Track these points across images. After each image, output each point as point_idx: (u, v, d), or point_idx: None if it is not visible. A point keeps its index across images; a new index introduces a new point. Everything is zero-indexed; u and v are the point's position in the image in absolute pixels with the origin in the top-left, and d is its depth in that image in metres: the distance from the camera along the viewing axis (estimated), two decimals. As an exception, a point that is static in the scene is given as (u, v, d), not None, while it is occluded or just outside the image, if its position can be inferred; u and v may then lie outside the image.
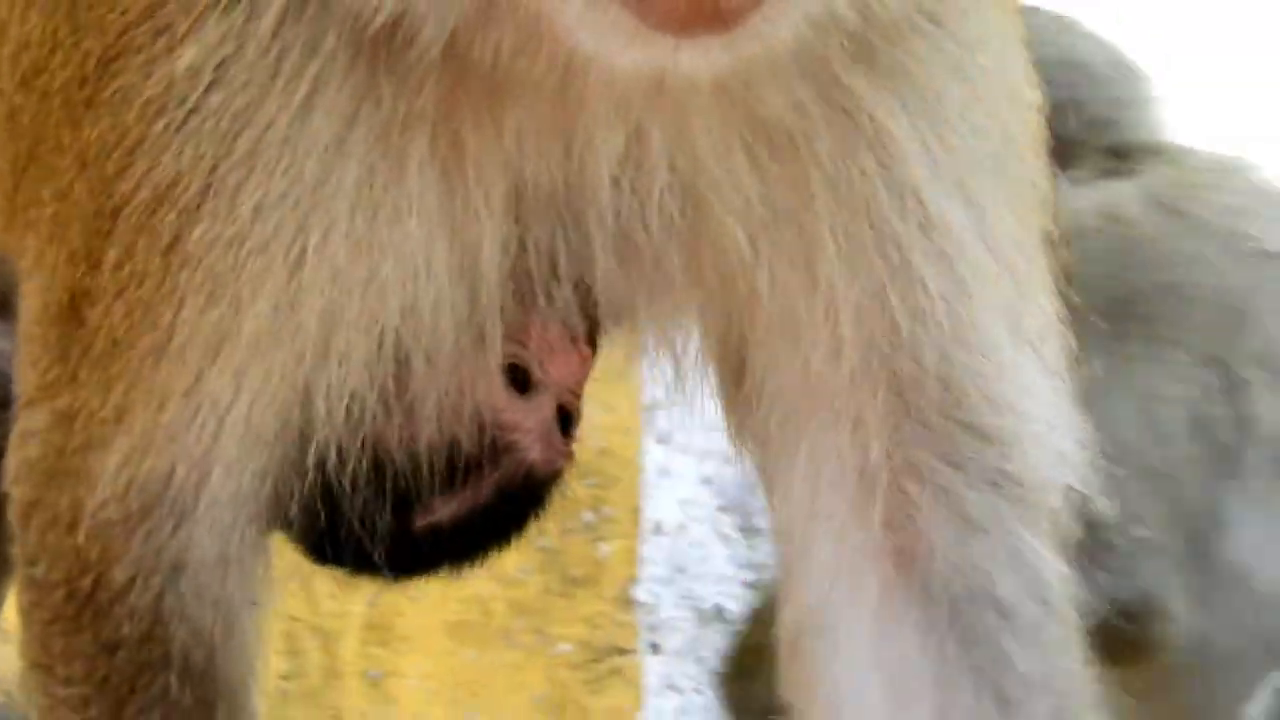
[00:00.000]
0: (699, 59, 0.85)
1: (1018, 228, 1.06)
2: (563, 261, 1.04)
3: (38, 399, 1.08)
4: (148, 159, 0.99)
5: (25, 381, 1.11)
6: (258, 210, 0.98)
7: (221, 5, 0.96)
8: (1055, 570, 1.07)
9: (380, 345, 1.02)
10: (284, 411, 1.02)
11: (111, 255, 1.01)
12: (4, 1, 1.12)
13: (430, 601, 3.02)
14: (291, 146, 0.97)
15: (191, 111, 0.98)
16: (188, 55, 0.97)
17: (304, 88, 0.96)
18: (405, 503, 1.11)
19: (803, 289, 1.03)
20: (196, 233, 0.98)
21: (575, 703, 3.26)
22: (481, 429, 1.11)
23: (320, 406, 1.02)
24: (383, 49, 0.96)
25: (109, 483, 1.03)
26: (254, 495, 1.05)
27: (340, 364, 1.02)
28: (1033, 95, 1.09)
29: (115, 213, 1.01)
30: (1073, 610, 1.08)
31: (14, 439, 1.11)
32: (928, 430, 1.04)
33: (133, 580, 1.04)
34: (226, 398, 1.01)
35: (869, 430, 1.05)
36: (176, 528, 1.04)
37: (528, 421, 1.09)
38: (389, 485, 1.12)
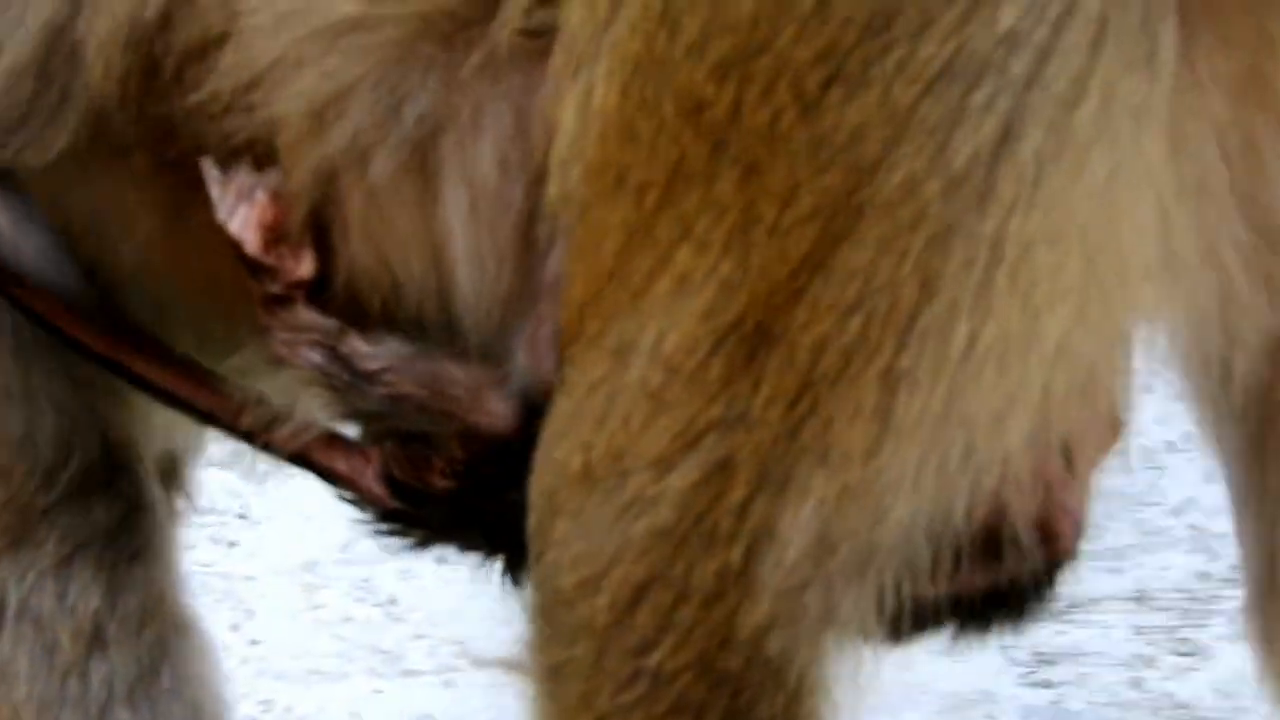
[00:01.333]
0: None
1: None
2: None
3: (673, 453, 0.93)
4: (928, 145, 0.87)
5: (630, 440, 0.95)
6: (1074, 210, 0.87)
7: None
8: None
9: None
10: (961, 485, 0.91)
11: (845, 262, 0.89)
12: None
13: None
14: (1136, 120, 0.87)
15: (1002, 80, 0.86)
16: (1006, 16, 0.86)
17: (1142, 47, 0.86)
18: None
19: None
20: (980, 224, 0.87)
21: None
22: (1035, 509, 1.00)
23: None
24: None
25: (799, 538, 0.91)
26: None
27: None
28: None
29: (858, 211, 0.88)
30: None
31: (609, 514, 0.95)
32: None
33: (787, 653, 0.93)
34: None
35: None
36: (843, 590, 0.93)
37: (1073, 503, 0.98)
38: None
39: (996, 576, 1.02)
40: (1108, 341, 0.92)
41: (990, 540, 0.99)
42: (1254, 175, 0.92)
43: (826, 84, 0.88)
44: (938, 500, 0.90)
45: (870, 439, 0.89)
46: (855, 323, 0.88)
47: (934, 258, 0.87)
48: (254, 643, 2.58)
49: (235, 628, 2.57)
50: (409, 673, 2.55)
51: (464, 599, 2.29)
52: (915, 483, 0.89)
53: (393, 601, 2.70)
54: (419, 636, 2.64)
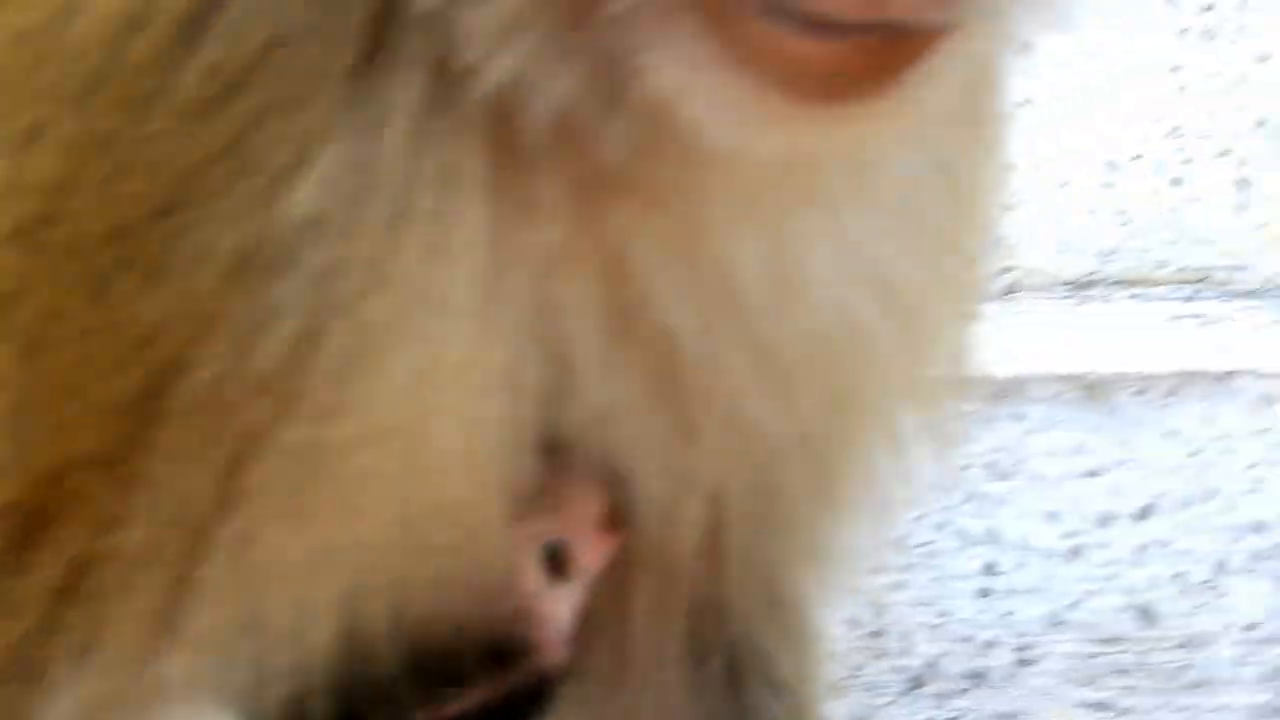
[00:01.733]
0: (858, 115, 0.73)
1: None
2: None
3: None
4: (231, 346, 0.78)
5: None
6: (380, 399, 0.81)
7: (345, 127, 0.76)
8: None
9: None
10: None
11: (139, 468, 0.80)
12: None
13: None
14: (439, 312, 0.80)
15: (300, 272, 0.77)
16: (305, 199, 0.76)
17: (442, 229, 0.78)
18: (425, 695, 0.97)
19: None
20: (288, 433, 0.80)
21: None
22: (512, 620, 0.96)
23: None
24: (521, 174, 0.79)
25: None
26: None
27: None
28: None
29: (156, 416, 0.80)
30: None
31: None
32: None
33: None
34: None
35: None
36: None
37: (557, 614, 0.93)
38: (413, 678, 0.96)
39: (475, 699, 0.97)
40: (445, 525, 0.86)
41: (470, 662, 0.97)
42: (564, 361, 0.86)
43: (118, 267, 0.78)
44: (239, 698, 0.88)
45: (147, 645, 0.82)
46: (143, 530, 0.79)
47: (239, 470, 0.79)
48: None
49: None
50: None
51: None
52: (195, 685, 0.86)
53: None
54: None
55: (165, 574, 0.81)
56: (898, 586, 2.08)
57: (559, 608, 0.94)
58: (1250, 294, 2.36)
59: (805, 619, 1.13)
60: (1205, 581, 2.08)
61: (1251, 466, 2.11)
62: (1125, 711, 2.12)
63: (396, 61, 0.77)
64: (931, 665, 2.11)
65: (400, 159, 0.77)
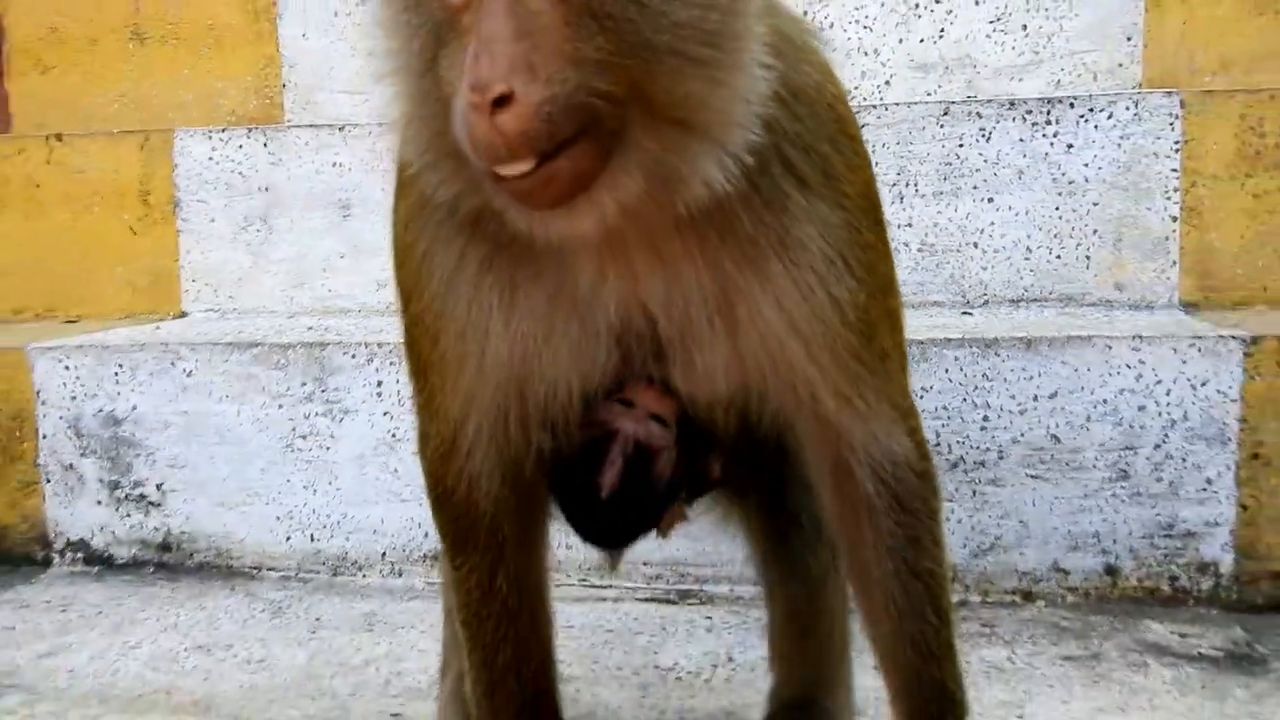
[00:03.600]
0: (564, 224, 1.08)
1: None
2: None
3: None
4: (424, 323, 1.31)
5: None
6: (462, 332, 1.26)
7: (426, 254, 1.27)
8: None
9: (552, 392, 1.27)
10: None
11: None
12: None
13: None
14: (485, 318, 1.25)
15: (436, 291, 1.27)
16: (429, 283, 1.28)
17: (476, 283, 1.25)
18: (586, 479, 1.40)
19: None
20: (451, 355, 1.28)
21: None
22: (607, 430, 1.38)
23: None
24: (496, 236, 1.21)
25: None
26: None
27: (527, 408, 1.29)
28: None
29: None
30: None
31: None
32: None
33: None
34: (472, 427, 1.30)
35: None
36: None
37: (628, 420, 1.36)
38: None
39: (615, 469, 1.39)
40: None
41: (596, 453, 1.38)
42: None
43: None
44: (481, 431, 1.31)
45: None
46: (425, 395, 1.35)
47: (419, 365, 1.35)
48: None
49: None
50: None
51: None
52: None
53: None
54: None
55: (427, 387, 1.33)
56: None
57: (627, 423, 1.34)
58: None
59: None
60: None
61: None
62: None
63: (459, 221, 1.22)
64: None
65: (453, 255, 1.24)
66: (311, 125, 3.02)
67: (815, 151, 1.21)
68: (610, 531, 1.48)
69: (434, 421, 1.34)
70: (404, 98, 1.15)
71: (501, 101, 0.98)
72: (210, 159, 2.99)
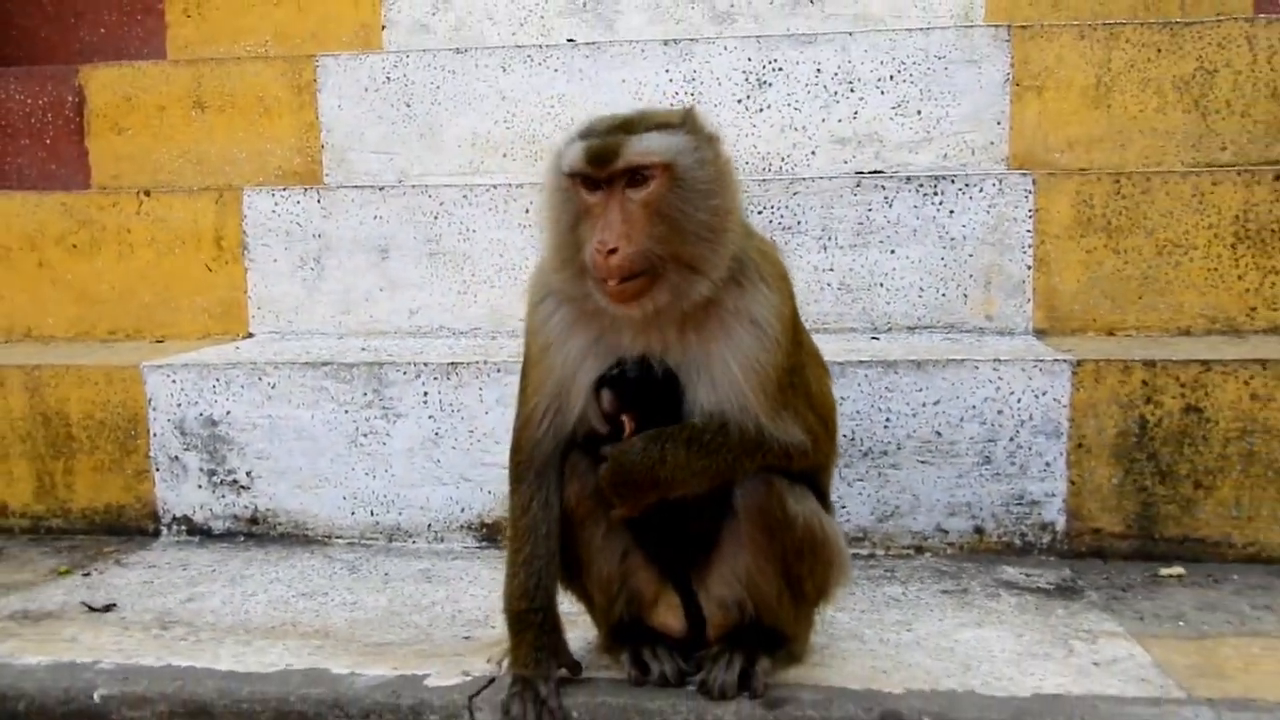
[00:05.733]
0: (626, 311, 1.87)
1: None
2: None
3: None
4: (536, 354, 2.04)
5: None
6: (550, 363, 1.99)
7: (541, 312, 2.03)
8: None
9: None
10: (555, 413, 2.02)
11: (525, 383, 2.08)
12: None
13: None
14: (561, 346, 1.99)
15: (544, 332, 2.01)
16: (539, 327, 2.01)
17: (563, 329, 1.99)
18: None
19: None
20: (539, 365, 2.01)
21: None
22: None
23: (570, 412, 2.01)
24: (582, 307, 1.96)
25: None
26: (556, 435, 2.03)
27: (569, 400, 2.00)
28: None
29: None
30: None
31: None
32: None
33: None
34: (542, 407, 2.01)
35: None
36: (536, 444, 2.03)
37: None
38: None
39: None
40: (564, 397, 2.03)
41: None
42: None
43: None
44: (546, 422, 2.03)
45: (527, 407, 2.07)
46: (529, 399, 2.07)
47: (528, 381, 2.07)
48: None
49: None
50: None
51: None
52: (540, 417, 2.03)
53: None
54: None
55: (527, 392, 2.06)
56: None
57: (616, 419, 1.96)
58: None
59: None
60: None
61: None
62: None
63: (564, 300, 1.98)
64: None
65: (556, 315, 1.99)
66: (356, 186, 3.57)
67: (762, 277, 1.96)
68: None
69: (523, 406, 2.03)
70: (555, 243, 1.92)
71: (612, 252, 1.74)
72: (273, 211, 3.53)
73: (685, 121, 1.91)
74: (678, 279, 1.85)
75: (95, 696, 2.13)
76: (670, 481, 1.92)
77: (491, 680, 2.10)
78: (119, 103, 3.99)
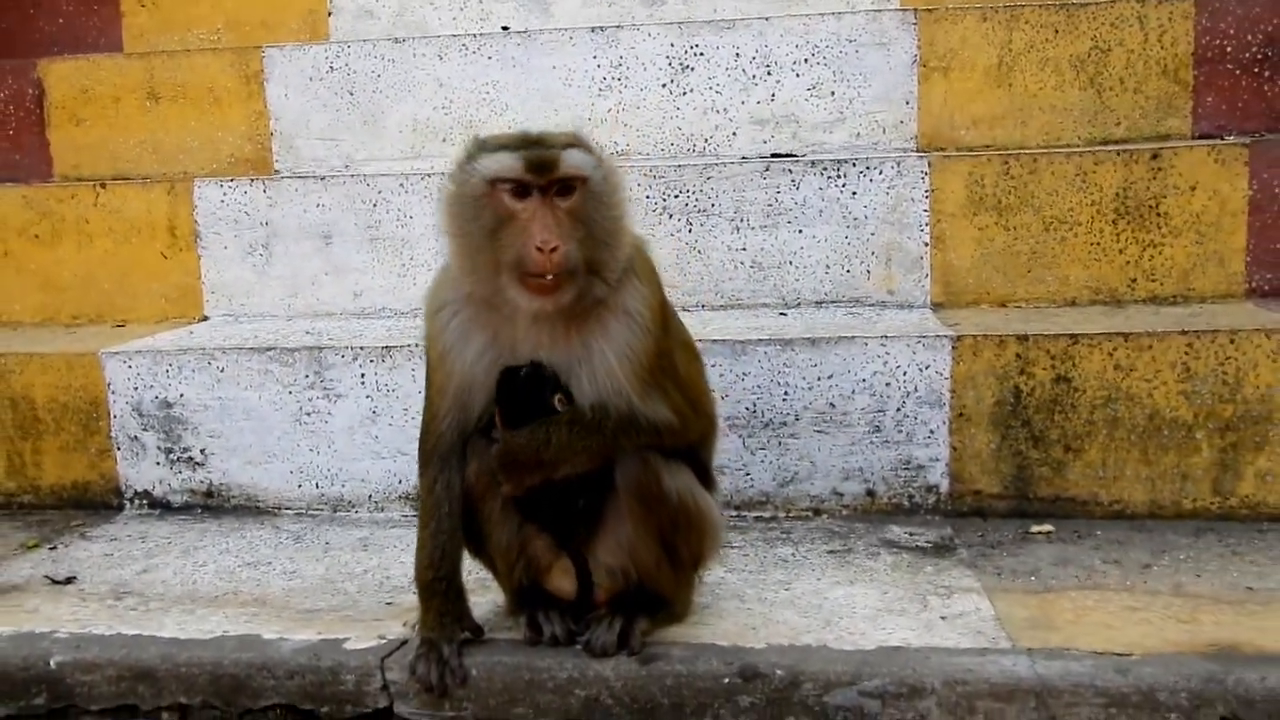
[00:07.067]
0: (541, 305, 2.08)
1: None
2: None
3: None
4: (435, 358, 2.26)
5: None
6: (450, 367, 2.22)
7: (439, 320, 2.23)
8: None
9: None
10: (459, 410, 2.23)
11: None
12: None
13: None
14: (461, 350, 2.21)
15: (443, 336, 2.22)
16: (438, 333, 2.23)
17: (460, 334, 2.21)
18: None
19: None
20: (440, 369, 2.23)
21: None
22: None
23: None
24: (478, 311, 2.18)
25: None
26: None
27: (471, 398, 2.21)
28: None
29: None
30: None
31: None
32: None
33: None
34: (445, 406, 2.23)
35: None
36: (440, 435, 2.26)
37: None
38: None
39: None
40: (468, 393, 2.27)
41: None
42: None
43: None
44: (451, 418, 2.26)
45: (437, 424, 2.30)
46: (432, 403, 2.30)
47: (434, 379, 2.27)
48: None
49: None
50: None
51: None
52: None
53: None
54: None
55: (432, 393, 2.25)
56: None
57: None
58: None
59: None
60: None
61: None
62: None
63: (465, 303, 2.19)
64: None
65: (454, 326, 2.20)
66: (300, 176, 3.77)
67: (636, 273, 2.17)
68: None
69: (429, 403, 2.27)
70: (468, 247, 2.14)
71: (553, 250, 2.04)
72: (222, 201, 3.73)
73: (584, 141, 2.15)
74: (584, 281, 2.10)
75: (51, 663, 2.38)
76: (554, 462, 2.15)
77: (404, 643, 2.35)
78: (77, 95, 4.17)
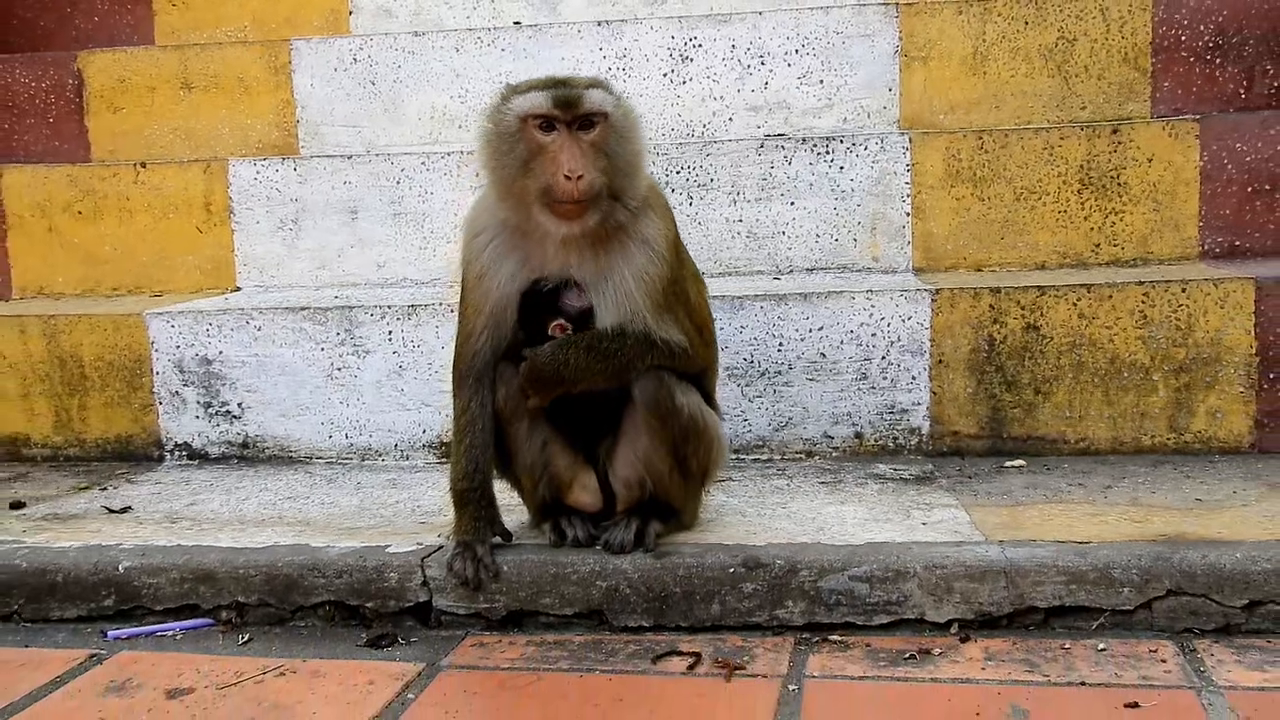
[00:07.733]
0: (568, 229, 2.35)
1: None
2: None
3: None
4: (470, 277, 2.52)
5: None
6: (486, 286, 2.48)
7: (477, 244, 2.50)
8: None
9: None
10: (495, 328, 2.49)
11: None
12: None
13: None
14: (495, 271, 2.46)
15: (474, 264, 2.49)
16: (476, 255, 2.50)
17: (496, 257, 2.48)
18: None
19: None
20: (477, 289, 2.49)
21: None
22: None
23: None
24: (512, 235, 2.46)
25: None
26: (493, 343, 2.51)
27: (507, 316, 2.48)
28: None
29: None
30: None
31: None
32: None
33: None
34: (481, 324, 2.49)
35: None
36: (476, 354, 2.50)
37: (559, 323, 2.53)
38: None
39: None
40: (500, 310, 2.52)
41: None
42: None
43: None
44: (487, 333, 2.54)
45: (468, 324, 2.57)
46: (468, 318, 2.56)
47: (467, 300, 2.54)
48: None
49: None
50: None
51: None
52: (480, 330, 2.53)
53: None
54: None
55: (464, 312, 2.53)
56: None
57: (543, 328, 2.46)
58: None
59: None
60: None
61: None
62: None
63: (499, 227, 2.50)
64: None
65: (490, 249, 2.48)
66: (328, 155, 4.05)
67: (653, 208, 2.46)
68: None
69: (464, 324, 2.51)
70: (503, 177, 2.40)
71: (580, 178, 2.30)
72: (255, 179, 4.01)
73: (605, 83, 2.44)
74: (606, 206, 2.36)
75: (120, 568, 2.63)
76: (574, 379, 2.42)
77: (440, 548, 2.61)
78: (114, 85, 4.45)
